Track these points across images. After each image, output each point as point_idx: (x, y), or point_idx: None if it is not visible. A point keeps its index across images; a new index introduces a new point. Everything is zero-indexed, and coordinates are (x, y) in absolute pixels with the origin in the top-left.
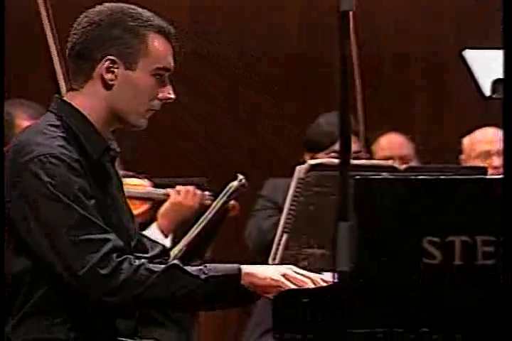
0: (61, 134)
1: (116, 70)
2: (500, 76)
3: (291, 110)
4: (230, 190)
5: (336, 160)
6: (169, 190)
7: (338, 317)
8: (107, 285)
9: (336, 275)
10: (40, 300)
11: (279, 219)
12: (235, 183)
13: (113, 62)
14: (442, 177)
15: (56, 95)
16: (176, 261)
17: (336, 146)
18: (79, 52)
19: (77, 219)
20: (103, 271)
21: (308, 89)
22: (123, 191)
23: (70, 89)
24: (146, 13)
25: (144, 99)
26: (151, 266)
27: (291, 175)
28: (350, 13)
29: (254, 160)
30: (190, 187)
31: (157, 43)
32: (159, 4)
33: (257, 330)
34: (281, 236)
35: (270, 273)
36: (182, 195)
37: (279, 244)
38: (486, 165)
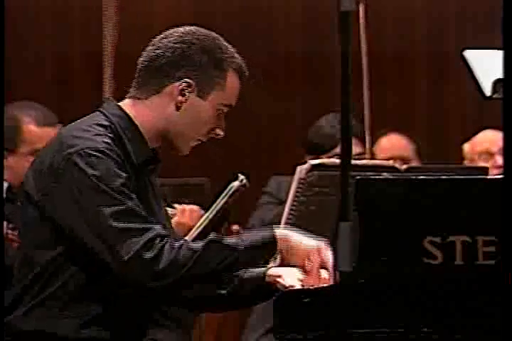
0: (108, 134)
1: (188, 94)
2: (501, 76)
3: (293, 110)
4: (231, 190)
5: (337, 161)
6: (173, 211)
7: (339, 317)
8: (152, 269)
9: (337, 275)
10: (58, 290)
11: (282, 212)
12: (236, 183)
13: (189, 85)
14: (443, 177)
15: (109, 97)
16: (213, 236)
17: (338, 149)
18: (159, 66)
19: (122, 209)
20: (147, 255)
21: (309, 88)
22: (162, 203)
23: (131, 96)
24: (231, 49)
25: (202, 129)
26: (191, 244)
27: (293, 173)
28: (361, 11)
29: (255, 160)
30: (196, 208)
31: (233, 81)
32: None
33: (261, 328)
34: None
35: (306, 240)
36: (187, 215)
37: None
38: (488, 165)
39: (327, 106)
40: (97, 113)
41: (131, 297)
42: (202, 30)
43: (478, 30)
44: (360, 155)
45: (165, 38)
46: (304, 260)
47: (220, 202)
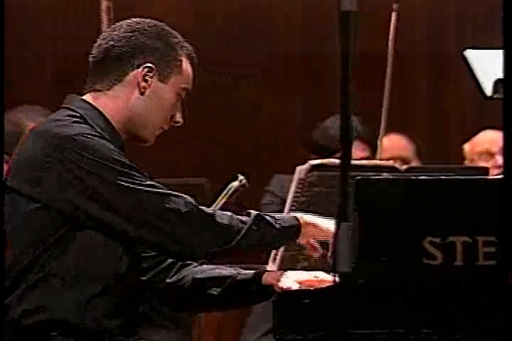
0: (83, 125)
1: (150, 79)
2: (501, 76)
3: (293, 110)
4: (231, 191)
5: (337, 161)
6: None
7: (339, 318)
8: (213, 224)
9: (336, 276)
10: (60, 268)
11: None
12: (235, 183)
13: (150, 70)
14: (443, 177)
15: (72, 94)
16: (257, 212)
17: None
18: (115, 56)
19: (140, 177)
20: (205, 211)
21: (309, 88)
22: None
23: (91, 90)
24: (180, 37)
25: (166, 113)
26: (236, 216)
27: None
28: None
29: (255, 160)
30: None
31: (188, 65)
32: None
33: (261, 328)
34: None
35: (328, 225)
36: None
37: None
38: (489, 165)
39: (327, 106)
40: (62, 109)
41: (129, 280)
42: (147, 20)
43: (478, 30)
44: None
45: (114, 31)
46: (325, 236)
47: (220, 202)
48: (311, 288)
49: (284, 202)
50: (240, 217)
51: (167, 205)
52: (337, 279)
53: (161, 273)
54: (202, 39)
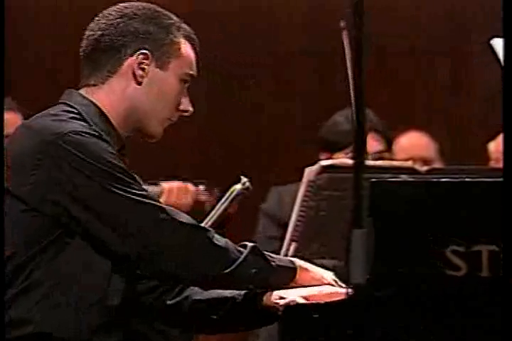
0: (80, 122)
1: (147, 67)
2: None
3: (293, 110)
4: (233, 194)
5: (350, 161)
6: (158, 189)
7: (352, 334)
8: (212, 247)
9: (349, 289)
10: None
11: (281, 245)
12: (238, 186)
13: (146, 57)
14: (467, 179)
15: (70, 88)
16: (253, 244)
17: None
18: (106, 45)
19: (130, 182)
20: (205, 233)
21: (309, 88)
22: None
23: (84, 85)
24: (175, 17)
25: (170, 103)
26: (232, 244)
27: (297, 177)
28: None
29: (255, 160)
30: (182, 184)
31: (188, 48)
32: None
33: (264, 332)
34: (289, 244)
35: (324, 273)
36: (174, 194)
37: (286, 254)
38: None
39: (327, 106)
40: (59, 104)
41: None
42: (136, 3)
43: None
44: (381, 153)
45: (101, 19)
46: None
47: (220, 207)
48: (321, 302)
49: (280, 222)
50: (235, 246)
51: (159, 218)
52: (350, 291)
53: (164, 295)
54: (202, 39)
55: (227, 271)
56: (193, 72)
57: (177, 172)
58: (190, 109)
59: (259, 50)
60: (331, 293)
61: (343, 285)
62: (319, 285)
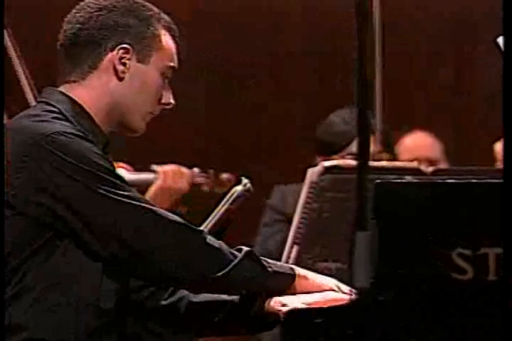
0: (60, 120)
1: (128, 62)
2: None
3: (293, 110)
4: (234, 196)
5: (353, 162)
6: (152, 176)
7: (355, 338)
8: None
9: (352, 292)
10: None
11: (286, 236)
12: (239, 188)
13: (127, 51)
14: (474, 181)
15: (50, 87)
16: (248, 248)
17: (352, 148)
18: (85, 40)
19: (106, 178)
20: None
21: (309, 88)
22: None
23: (64, 82)
24: (155, 8)
25: (152, 97)
26: (227, 247)
27: (301, 179)
28: None
29: (255, 160)
30: (176, 167)
31: (168, 40)
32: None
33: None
34: (292, 247)
35: (324, 280)
36: (169, 177)
37: (288, 257)
38: None
39: (327, 106)
40: (39, 104)
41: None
42: None
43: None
44: (379, 154)
45: (79, 12)
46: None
47: (220, 209)
48: (324, 306)
49: (286, 217)
50: (230, 249)
51: (148, 219)
52: (353, 295)
53: (156, 295)
54: (202, 39)
55: (220, 273)
56: (174, 64)
57: None
58: (172, 101)
59: (259, 50)
60: (335, 299)
61: (346, 291)
62: (319, 292)
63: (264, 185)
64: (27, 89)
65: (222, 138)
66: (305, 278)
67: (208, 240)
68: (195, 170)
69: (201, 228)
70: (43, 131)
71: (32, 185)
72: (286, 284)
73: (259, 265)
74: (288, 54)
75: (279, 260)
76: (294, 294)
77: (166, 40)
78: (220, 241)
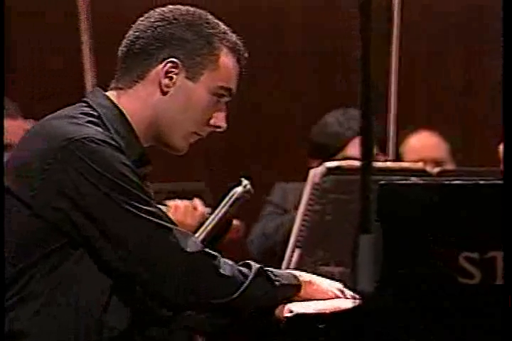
0: (97, 126)
1: (174, 76)
2: None
3: (293, 110)
4: (234, 197)
5: (357, 163)
6: (165, 208)
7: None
8: (215, 272)
9: (356, 297)
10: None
11: (282, 221)
12: (239, 189)
13: (175, 66)
14: (481, 182)
15: (97, 88)
16: (258, 265)
17: (348, 151)
18: (139, 48)
19: (133, 193)
20: (209, 256)
21: (309, 88)
22: None
23: (113, 87)
24: (223, 26)
25: (196, 116)
26: (237, 267)
27: (300, 179)
28: None
29: (255, 160)
30: (189, 204)
31: (228, 60)
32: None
33: None
34: (293, 251)
35: (329, 286)
36: (181, 212)
37: (290, 261)
38: None
39: (327, 106)
40: (81, 103)
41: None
42: (187, 7)
43: None
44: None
45: (144, 20)
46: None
47: (220, 211)
48: (327, 311)
49: (286, 211)
50: (240, 268)
51: (170, 241)
52: (357, 299)
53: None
54: None
55: (234, 296)
56: (230, 85)
57: (177, 172)
58: (223, 124)
59: (259, 50)
60: (344, 308)
61: (351, 296)
62: (324, 298)
63: (264, 185)
64: (87, 62)
65: (222, 138)
66: (310, 283)
67: (220, 269)
68: (207, 210)
69: (215, 253)
70: (74, 135)
71: (54, 188)
72: (293, 293)
73: (268, 281)
74: (288, 54)
75: (277, 244)
76: (299, 301)
77: (226, 60)
78: (231, 264)
